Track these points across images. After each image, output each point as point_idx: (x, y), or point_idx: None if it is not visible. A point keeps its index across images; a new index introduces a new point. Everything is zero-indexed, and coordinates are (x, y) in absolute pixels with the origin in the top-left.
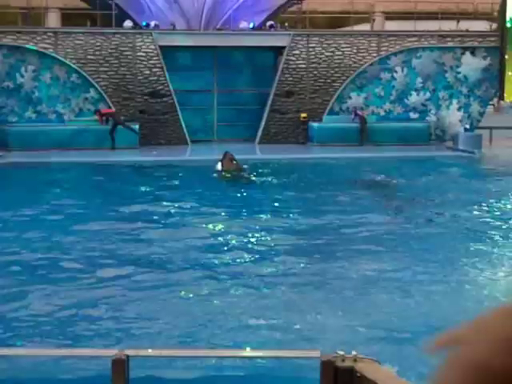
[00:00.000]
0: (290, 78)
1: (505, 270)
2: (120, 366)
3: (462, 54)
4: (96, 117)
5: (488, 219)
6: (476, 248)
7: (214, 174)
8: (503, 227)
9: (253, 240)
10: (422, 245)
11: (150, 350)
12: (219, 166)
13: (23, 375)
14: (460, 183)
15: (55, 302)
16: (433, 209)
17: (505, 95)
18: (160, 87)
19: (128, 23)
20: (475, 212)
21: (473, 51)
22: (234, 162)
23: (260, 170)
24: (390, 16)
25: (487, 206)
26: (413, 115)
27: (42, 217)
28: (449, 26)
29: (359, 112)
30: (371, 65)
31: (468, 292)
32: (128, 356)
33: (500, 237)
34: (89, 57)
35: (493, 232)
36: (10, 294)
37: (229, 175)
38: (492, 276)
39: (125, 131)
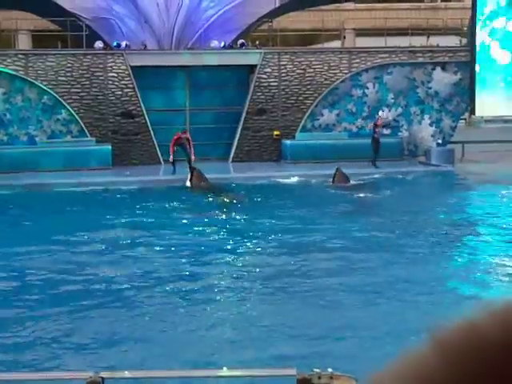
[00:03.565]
0: (262, 96)
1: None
2: None
3: (433, 69)
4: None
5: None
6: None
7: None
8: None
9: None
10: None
11: (125, 372)
12: (188, 183)
13: None
14: (432, 197)
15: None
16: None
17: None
18: (132, 107)
19: (99, 44)
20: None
21: (443, 66)
22: (204, 179)
23: (234, 189)
24: (360, 33)
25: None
26: (385, 131)
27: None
28: (419, 41)
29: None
30: (343, 81)
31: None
32: (103, 378)
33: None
34: (60, 78)
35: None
36: None
37: (205, 192)
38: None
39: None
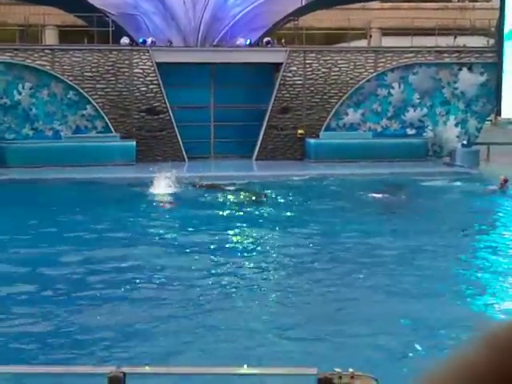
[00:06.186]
0: (287, 95)
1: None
2: (117, 383)
3: (459, 69)
4: None
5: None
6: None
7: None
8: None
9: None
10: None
11: (146, 368)
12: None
13: None
14: (455, 200)
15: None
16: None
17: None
18: (157, 104)
19: (125, 40)
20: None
21: (470, 67)
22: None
23: (257, 187)
24: (386, 32)
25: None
26: (410, 131)
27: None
28: (446, 41)
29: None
30: (368, 81)
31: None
32: (125, 373)
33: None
34: (86, 74)
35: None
36: None
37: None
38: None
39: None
